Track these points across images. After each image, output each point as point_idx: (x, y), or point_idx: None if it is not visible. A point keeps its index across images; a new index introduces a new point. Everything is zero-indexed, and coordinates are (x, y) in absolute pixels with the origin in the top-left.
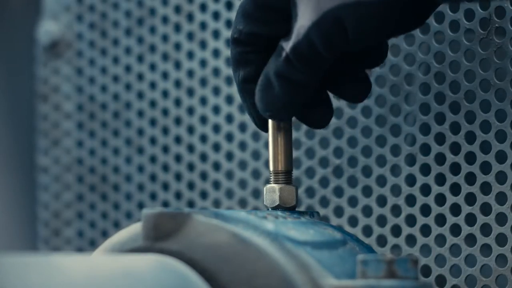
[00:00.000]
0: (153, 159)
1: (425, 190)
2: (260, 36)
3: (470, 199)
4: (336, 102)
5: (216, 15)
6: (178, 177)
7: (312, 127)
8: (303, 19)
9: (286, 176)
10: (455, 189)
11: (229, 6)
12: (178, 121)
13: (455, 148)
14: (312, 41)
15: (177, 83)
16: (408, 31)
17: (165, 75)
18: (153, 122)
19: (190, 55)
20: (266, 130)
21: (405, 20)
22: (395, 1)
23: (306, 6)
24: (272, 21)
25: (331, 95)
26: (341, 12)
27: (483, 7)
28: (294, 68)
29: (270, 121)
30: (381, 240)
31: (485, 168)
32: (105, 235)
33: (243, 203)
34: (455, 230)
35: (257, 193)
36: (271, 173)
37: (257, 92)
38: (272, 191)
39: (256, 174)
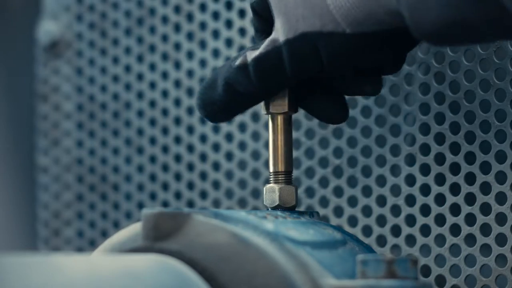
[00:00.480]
0: (153, 159)
1: (425, 190)
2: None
3: (470, 199)
4: None
5: (216, 15)
6: (177, 177)
7: (325, 122)
8: (277, 34)
9: (286, 176)
10: (455, 189)
11: (229, 6)
12: (178, 121)
13: (455, 148)
14: (281, 57)
15: (177, 83)
16: (389, 71)
17: (165, 75)
18: (153, 122)
19: (190, 55)
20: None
21: (383, 55)
22: (372, 36)
23: (283, 23)
24: (259, 24)
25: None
26: (316, 38)
27: None
28: (247, 79)
29: (269, 122)
30: (381, 240)
31: (485, 168)
32: (105, 235)
33: (242, 203)
34: (455, 230)
35: (256, 193)
36: (271, 174)
37: (200, 88)
38: (272, 191)
39: (255, 174)
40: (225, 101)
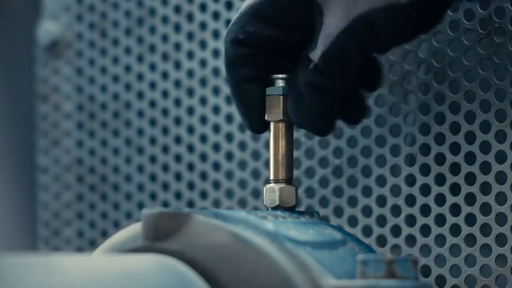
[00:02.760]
0: (153, 159)
1: (425, 190)
2: (269, 39)
3: (470, 199)
4: None
5: (216, 15)
6: (178, 177)
7: (346, 123)
8: (331, 27)
9: (286, 184)
10: (455, 189)
11: (229, 6)
12: (178, 121)
13: (455, 148)
14: (343, 47)
15: (177, 83)
16: (426, 32)
17: (165, 75)
18: (153, 122)
19: (190, 55)
20: (262, 132)
21: (427, 20)
22: (420, 2)
23: (334, 14)
24: (290, 27)
25: None
26: (371, 16)
27: (483, 7)
28: (325, 76)
29: (271, 130)
30: (381, 240)
31: (485, 168)
32: (105, 235)
33: (243, 203)
34: (455, 230)
35: (257, 193)
36: (271, 181)
37: (291, 107)
38: (272, 191)
39: (255, 174)
40: (316, 103)
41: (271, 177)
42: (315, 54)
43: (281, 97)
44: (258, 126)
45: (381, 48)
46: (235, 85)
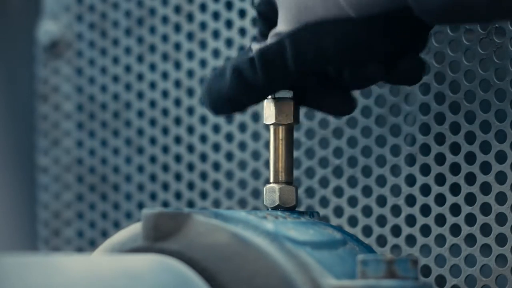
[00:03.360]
0: (153, 159)
1: (425, 190)
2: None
3: (470, 199)
4: None
5: (216, 15)
6: (178, 177)
7: (330, 115)
8: (280, 26)
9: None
10: (455, 189)
11: (229, 6)
12: (178, 121)
13: (455, 148)
14: (283, 51)
15: (177, 83)
16: (400, 51)
17: (165, 75)
18: (153, 122)
19: (190, 55)
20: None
21: (391, 39)
22: (378, 18)
23: (286, 14)
24: (264, 28)
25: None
26: (320, 26)
27: None
28: (254, 71)
29: (271, 132)
30: (381, 240)
31: (485, 168)
32: (105, 235)
33: (243, 203)
34: (455, 230)
35: (257, 193)
36: (271, 182)
37: (209, 77)
38: (272, 191)
39: (255, 174)
40: (232, 88)
41: (271, 181)
42: (256, 47)
43: (292, 101)
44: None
45: (328, 62)
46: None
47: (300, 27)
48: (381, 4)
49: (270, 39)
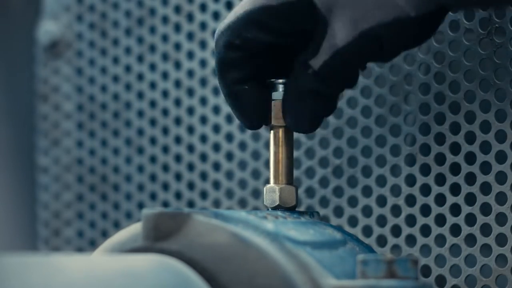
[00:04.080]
0: (153, 159)
1: (425, 190)
2: (264, 43)
3: (470, 199)
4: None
5: (216, 15)
6: (178, 177)
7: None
8: (336, 39)
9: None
10: (455, 189)
11: (229, 6)
12: (178, 121)
13: (455, 148)
14: (346, 60)
15: (177, 83)
16: (426, 40)
17: (165, 75)
18: (153, 122)
19: (190, 55)
20: (258, 127)
21: (429, 29)
22: (427, 13)
23: (341, 26)
24: (290, 33)
25: None
26: (379, 31)
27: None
28: (324, 83)
29: (271, 136)
30: (381, 240)
31: (485, 168)
32: (105, 235)
33: (243, 203)
34: (455, 230)
35: (257, 193)
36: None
37: (288, 108)
38: (272, 191)
39: (256, 174)
40: (315, 108)
41: (271, 181)
42: (316, 62)
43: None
44: (255, 123)
45: (384, 59)
46: (228, 86)
47: (360, 35)
48: (435, 1)
49: (327, 52)
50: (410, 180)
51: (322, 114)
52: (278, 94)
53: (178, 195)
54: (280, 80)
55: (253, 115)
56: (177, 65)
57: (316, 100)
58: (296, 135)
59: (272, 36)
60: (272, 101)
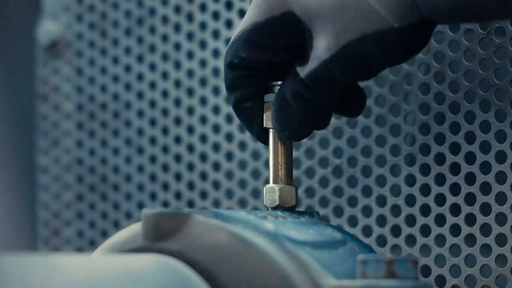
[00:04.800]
0: (153, 159)
1: (425, 190)
2: (262, 61)
3: (470, 199)
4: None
5: (216, 15)
6: (178, 177)
7: (346, 116)
8: (320, 51)
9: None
10: (455, 189)
11: (228, 6)
12: (178, 121)
13: (455, 148)
14: (331, 71)
15: (177, 83)
16: (416, 53)
17: (165, 75)
18: (153, 122)
19: (190, 55)
20: (267, 142)
21: (415, 44)
22: (411, 26)
23: (324, 39)
24: (281, 49)
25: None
26: (362, 43)
27: None
28: (310, 90)
29: (270, 137)
30: (381, 240)
31: (485, 168)
32: (105, 235)
33: (243, 203)
34: (455, 230)
35: (256, 193)
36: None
37: (274, 112)
38: (272, 191)
39: (255, 174)
40: (300, 112)
41: (271, 181)
42: (303, 71)
43: None
44: (261, 138)
45: (370, 73)
46: (236, 104)
47: (343, 48)
48: (417, 12)
49: (313, 62)
50: (410, 180)
51: (307, 120)
52: (271, 96)
53: (178, 195)
54: (275, 83)
55: (260, 132)
56: (177, 65)
57: (301, 104)
58: None
59: (266, 54)
60: (265, 103)
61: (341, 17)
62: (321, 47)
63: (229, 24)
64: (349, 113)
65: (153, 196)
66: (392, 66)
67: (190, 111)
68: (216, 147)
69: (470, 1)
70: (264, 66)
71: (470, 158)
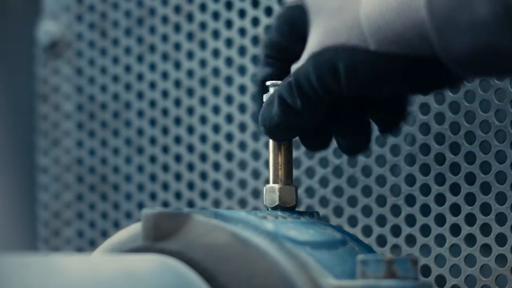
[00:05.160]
0: (153, 159)
1: (425, 190)
2: (281, 47)
3: (470, 199)
4: None
5: (216, 15)
6: (178, 177)
7: (379, 129)
8: (309, 48)
9: None
10: (455, 189)
11: (228, 6)
12: (178, 121)
13: (455, 148)
14: (308, 73)
15: (177, 83)
16: (419, 93)
17: (165, 75)
18: (153, 122)
19: (190, 55)
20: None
21: (411, 80)
22: (397, 58)
23: (315, 35)
24: (294, 39)
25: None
26: (336, 52)
27: None
28: (292, 93)
29: (270, 141)
30: (381, 240)
31: (485, 168)
32: (105, 235)
33: (243, 203)
34: (455, 230)
35: (256, 193)
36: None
37: (261, 110)
38: (272, 191)
39: (255, 174)
40: (278, 115)
41: (271, 181)
42: (293, 68)
43: None
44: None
45: (341, 87)
46: (258, 81)
47: (320, 50)
48: (405, 46)
49: (302, 59)
50: (410, 180)
51: (287, 124)
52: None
53: (178, 195)
54: (278, 82)
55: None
56: (177, 65)
57: (282, 106)
58: None
59: (284, 39)
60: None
61: (335, 19)
62: (309, 46)
63: (229, 24)
64: (382, 126)
65: (153, 196)
66: (374, 94)
67: (190, 111)
68: (216, 147)
69: (492, 48)
70: (284, 54)
71: (470, 158)
